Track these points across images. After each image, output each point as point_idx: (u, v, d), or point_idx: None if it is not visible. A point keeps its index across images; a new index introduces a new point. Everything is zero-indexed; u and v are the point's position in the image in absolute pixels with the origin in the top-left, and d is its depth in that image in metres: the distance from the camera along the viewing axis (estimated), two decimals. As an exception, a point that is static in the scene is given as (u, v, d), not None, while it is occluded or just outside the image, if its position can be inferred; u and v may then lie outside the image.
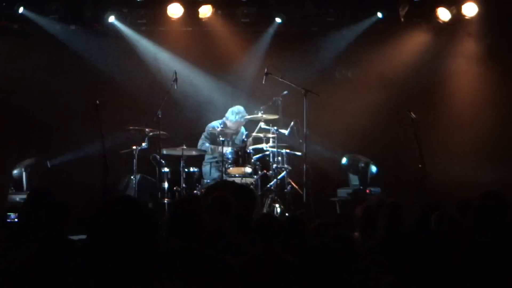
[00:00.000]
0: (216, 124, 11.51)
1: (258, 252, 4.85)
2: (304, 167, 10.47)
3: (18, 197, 10.79)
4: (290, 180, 11.20)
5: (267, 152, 11.28)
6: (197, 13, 11.94)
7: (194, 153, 11.33)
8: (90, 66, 12.08)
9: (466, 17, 11.86)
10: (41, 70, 11.85)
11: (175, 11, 11.85)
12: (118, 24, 12.04)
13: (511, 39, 12.02)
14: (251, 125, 11.79)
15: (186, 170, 10.95)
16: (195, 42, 12.34)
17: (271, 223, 5.11)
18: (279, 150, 11.15)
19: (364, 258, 5.46)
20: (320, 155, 11.94)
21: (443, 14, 11.90)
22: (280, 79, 10.87)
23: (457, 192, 9.37)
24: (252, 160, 11.07)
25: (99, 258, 2.80)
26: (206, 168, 11.43)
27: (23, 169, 11.44)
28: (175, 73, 10.63)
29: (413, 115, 9.66)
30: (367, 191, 11.55)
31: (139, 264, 2.82)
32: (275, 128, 11.15)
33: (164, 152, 10.92)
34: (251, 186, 10.77)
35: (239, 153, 11.02)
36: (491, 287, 4.15)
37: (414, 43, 12.31)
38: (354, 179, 11.94)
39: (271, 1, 12.19)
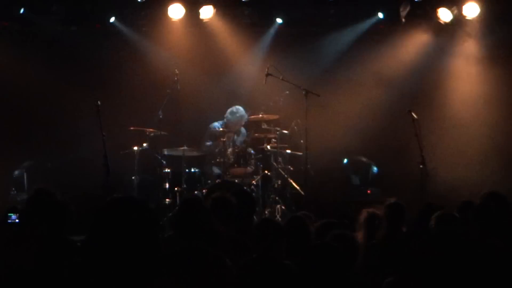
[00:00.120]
0: (217, 125, 11.53)
1: (256, 256, 4.85)
2: (305, 167, 10.47)
3: (19, 198, 10.79)
4: (291, 181, 11.20)
5: (268, 153, 11.28)
6: (198, 13, 11.95)
7: (195, 153, 11.34)
8: (91, 67, 12.09)
9: (467, 18, 11.85)
10: (41, 71, 11.83)
11: (176, 12, 11.84)
12: (119, 25, 12.04)
13: (511, 40, 12.01)
14: (251, 125, 11.80)
15: (187, 170, 10.96)
16: (196, 43, 12.33)
17: (271, 227, 5.10)
18: (280, 150, 11.15)
19: (365, 258, 5.47)
20: (321, 155, 11.93)
21: (444, 14, 11.88)
22: (281, 80, 10.88)
23: (458, 193, 9.37)
24: (253, 161, 11.07)
25: (100, 259, 2.80)
26: (207, 168, 11.43)
27: (24, 170, 11.45)
28: (177, 73, 10.64)
29: (414, 116, 9.66)
30: (368, 191, 11.56)
31: (141, 264, 2.81)
32: (276, 128, 11.15)
33: (165, 152, 10.94)
34: (252, 187, 10.78)
35: (240, 153, 11.02)
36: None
37: (415, 43, 12.30)
38: (355, 179, 11.94)
39: (272, 2, 12.19)
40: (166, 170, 10.96)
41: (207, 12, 11.90)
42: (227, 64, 12.47)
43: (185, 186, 10.85)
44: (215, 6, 11.91)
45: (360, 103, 12.22)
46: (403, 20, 11.97)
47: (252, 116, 11.50)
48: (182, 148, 10.96)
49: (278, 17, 12.09)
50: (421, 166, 9.49)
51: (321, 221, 6.23)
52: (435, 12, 11.92)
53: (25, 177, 11.38)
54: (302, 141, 10.84)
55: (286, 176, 11.16)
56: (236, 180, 10.84)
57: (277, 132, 11.11)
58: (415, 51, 12.29)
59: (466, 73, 12.33)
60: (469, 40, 12.15)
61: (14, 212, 5.92)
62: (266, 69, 10.89)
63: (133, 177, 10.96)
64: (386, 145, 12.23)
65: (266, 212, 10.70)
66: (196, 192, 10.81)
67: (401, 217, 6.33)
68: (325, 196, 11.50)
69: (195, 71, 12.33)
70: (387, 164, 12.02)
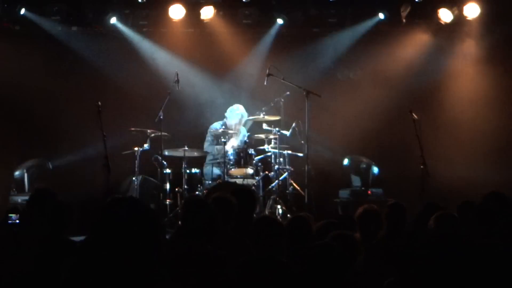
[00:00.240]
0: (217, 126, 11.52)
1: (255, 255, 4.84)
2: (306, 168, 10.48)
3: (20, 199, 10.79)
4: (292, 181, 11.20)
5: (269, 153, 11.28)
6: (199, 14, 11.94)
7: (196, 154, 11.34)
8: (91, 68, 12.09)
9: (468, 18, 11.84)
10: (42, 72, 11.84)
11: (177, 12, 11.84)
12: (119, 25, 12.04)
13: (511, 40, 12.01)
14: (252, 126, 11.79)
15: (188, 171, 10.96)
16: (197, 43, 12.33)
17: (270, 224, 5.09)
18: (280, 151, 11.15)
19: (366, 259, 5.47)
20: (322, 156, 11.94)
21: (445, 15, 11.88)
22: (281, 80, 10.87)
23: (459, 193, 9.36)
24: (254, 161, 11.07)
25: (101, 260, 2.80)
26: (207, 169, 11.43)
27: (24, 171, 11.44)
28: (177, 74, 10.64)
29: (415, 116, 9.66)
30: (369, 192, 11.55)
31: (142, 265, 2.81)
32: (277, 129, 11.15)
33: (166, 153, 10.93)
34: (253, 187, 10.77)
35: (241, 154, 11.02)
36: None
37: (415, 44, 12.30)
38: (356, 180, 11.93)
39: (273, 2, 12.19)
40: (167, 171, 10.97)
41: (207, 13, 11.90)
42: (228, 65, 12.46)
43: (185, 187, 10.86)
44: (215, 7, 11.91)
45: (361, 104, 12.21)
46: (404, 20, 11.97)
47: (253, 117, 11.49)
48: (183, 148, 10.96)
49: (278, 17, 12.09)
50: (421, 166, 9.49)
51: (321, 221, 6.22)
52: (435, 13, 11.91)
53: (25, 178, 11.38)
54: (302, 142, 10.84)
55: (286, 177, 11.15)
56: (236, 181, 10.84)
57: (278, 133, 11.11)
58: (415, 52, 12.29)
59: (466, 73, 12.33)
60: (469, 40, 12.15)
61: (14, 213, 5.93)
62: (267, 70, 10.90)
63: (133, 178, 10.96)
64: (386, 145, 12.23)
65: (267, 212, 10.70)
66: (197, 192, 10.82)
67: (401, 217, 6.33)
68: (325, 197, 11.50)
69: (195, 71, 12.33)
70: (388, 164, 12.02)
